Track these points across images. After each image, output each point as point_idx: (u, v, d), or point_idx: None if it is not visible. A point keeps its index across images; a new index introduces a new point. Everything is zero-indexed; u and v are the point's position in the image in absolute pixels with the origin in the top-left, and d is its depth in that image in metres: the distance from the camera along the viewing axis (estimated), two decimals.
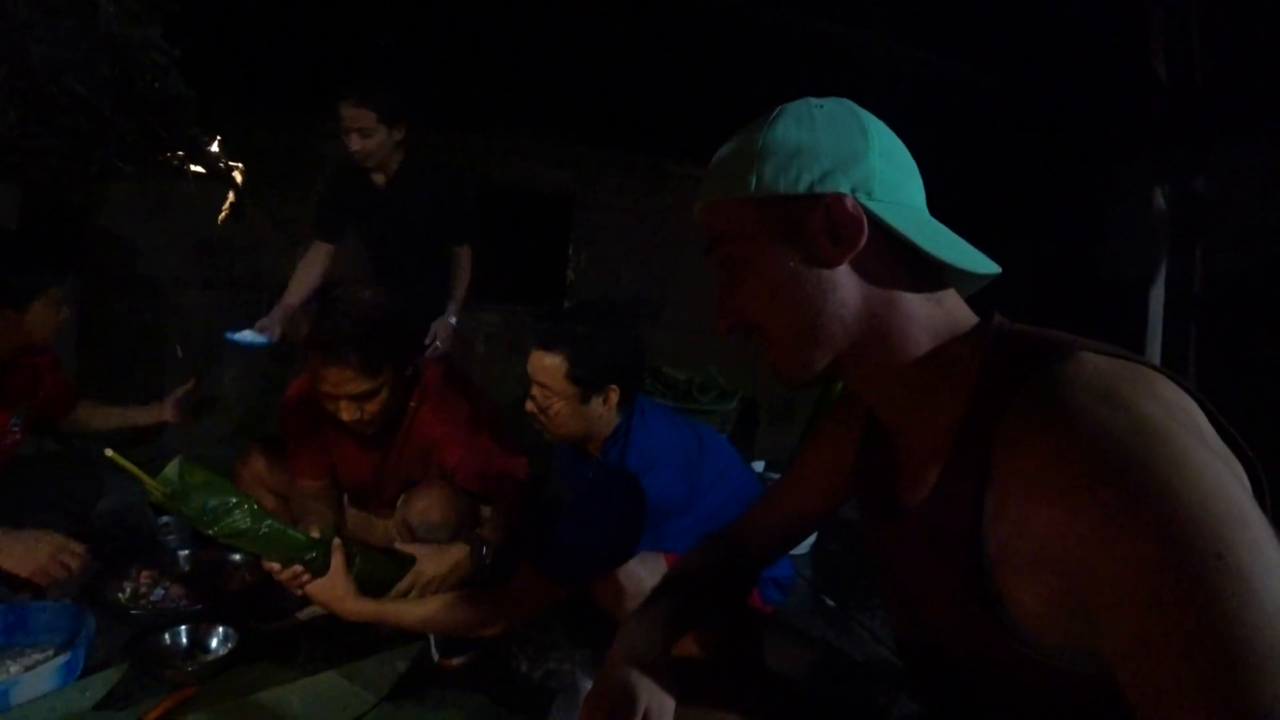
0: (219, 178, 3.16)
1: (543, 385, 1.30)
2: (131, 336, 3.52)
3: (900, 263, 0.65)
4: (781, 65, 3.51)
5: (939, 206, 0.71)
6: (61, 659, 1.32)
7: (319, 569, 1.23)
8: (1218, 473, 0.47)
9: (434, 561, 1.33)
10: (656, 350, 3.18)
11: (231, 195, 3.28)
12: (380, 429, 1.47)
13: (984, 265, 0.67)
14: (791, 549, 1.04)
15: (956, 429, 0.62)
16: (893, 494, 0.72)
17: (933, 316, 0.66)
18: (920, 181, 0.70)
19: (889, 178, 0.65)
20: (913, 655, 0.76)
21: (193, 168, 2.92)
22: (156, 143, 2.50)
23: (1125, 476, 0.47)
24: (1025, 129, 3.76)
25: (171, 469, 1.11)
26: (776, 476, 1.86)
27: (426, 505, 1.45)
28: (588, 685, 1.18)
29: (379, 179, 2.22)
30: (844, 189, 0.64)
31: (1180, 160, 3.20)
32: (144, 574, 1.68)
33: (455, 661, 1.42)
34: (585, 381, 1.29)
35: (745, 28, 3.38)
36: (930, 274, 0.67)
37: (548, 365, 1.29)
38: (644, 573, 1.29)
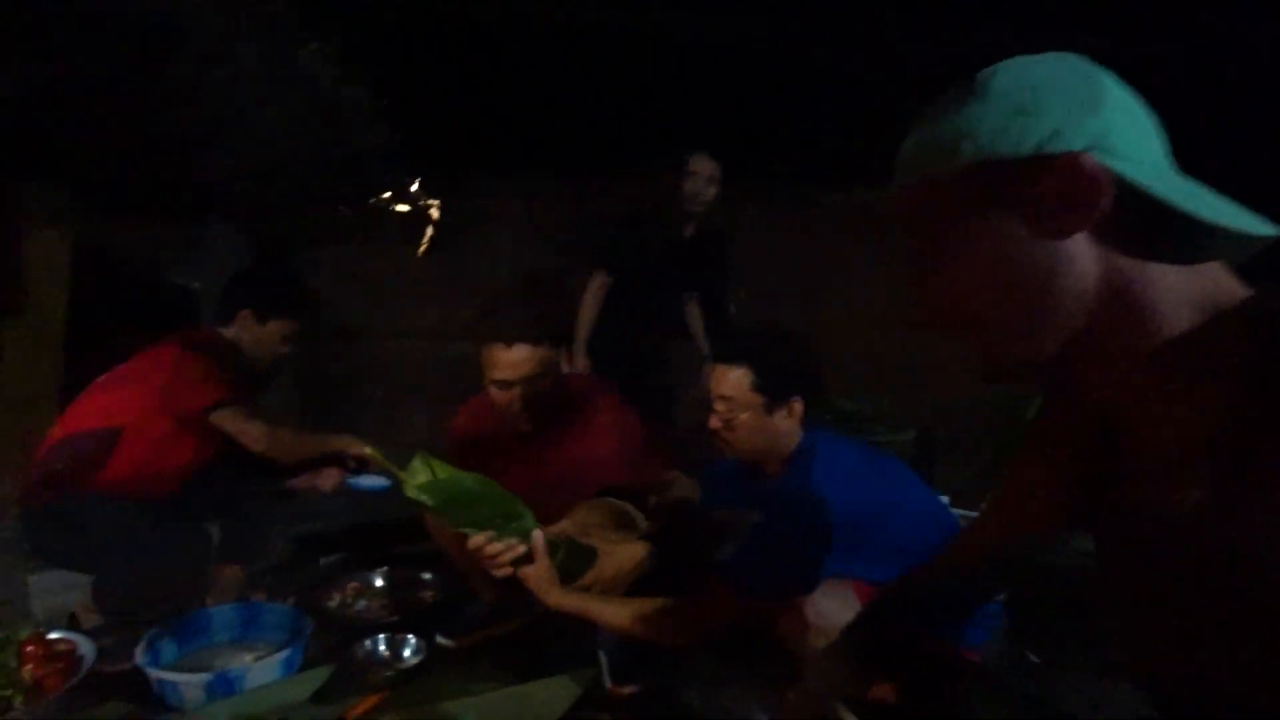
0: (414, 225, 3.56)
1: (726, 399, 1.29)
2: (330, 385, 4.01)
3: (1150, 228, 0.56)
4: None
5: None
6: (284, 654, 1.47)
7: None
8: None
9: (613, 560, 1.33)
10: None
11: (430, 230, 3.66)
12: (540, 419, 1.52)
13: (1256, 226, 0.56)
14: (1003, 586, 0.92)
15: (1229, 423, 0.53)
16: (1138, 504, 0.62)
17: (1192, 290, 0.57)
18: (1163, 139, 0.60)
19: (1128, 132, 0.57)
20: (1172, 698, 0.65)
21: (399, 208, 3.32)
22: (369, 187, 2.87)
23: None
24: None
25: (418, 463, 1.21)
26: (964, 512, 1.68)
27: (588, 516, 1.46)
28: None
29: (689, 230, 2.50)
30: (1077, 147, 0.56)
31: None
32: (351, 586, 1.86)
33: (626, 690, 1.39)
34: (770, 392, 1.27)
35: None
36: (1187, 240, 0.57)
37: (732, 379, 1.29)
38: (831, 605, 1.20)
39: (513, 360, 1.44)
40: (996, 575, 0.85)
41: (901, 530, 1.25)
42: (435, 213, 3.44)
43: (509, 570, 1.24)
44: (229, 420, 1.74)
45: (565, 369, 1.58)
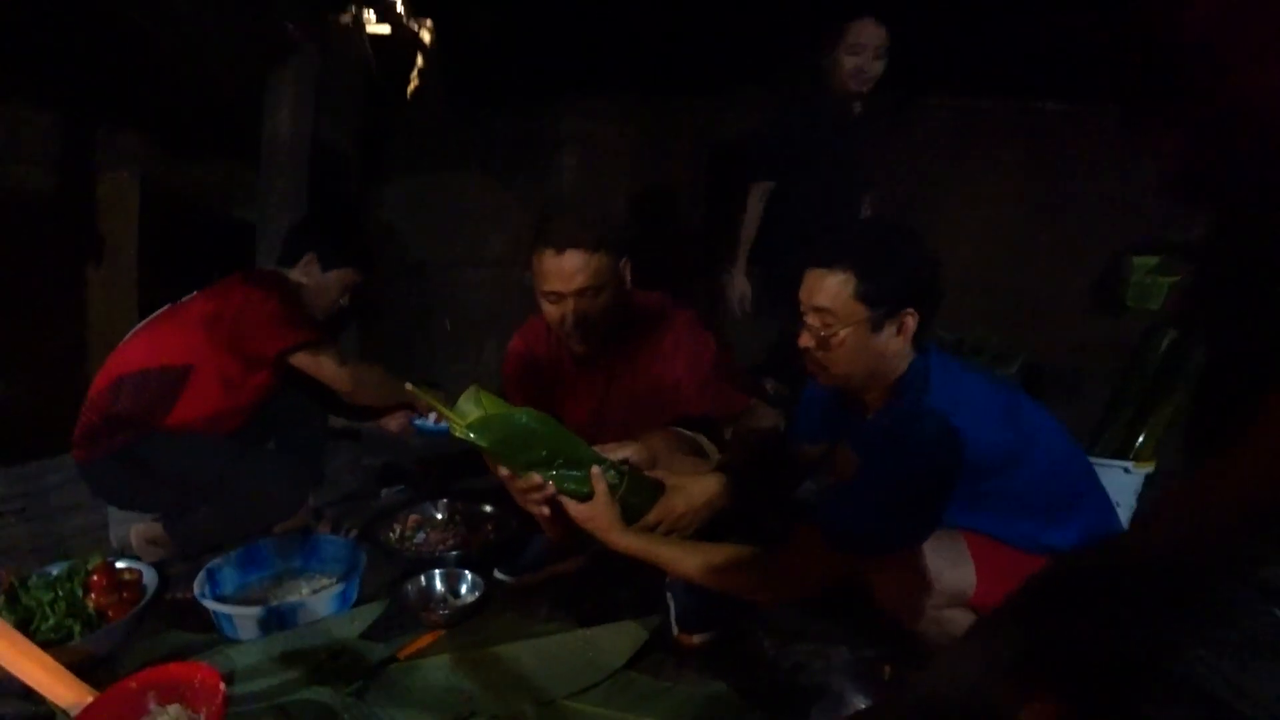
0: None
1: (823, 310, 1.04)
2: (400, 319, 3.97)
3: None
4: None
5: None
6: (339, 588, 1.42)
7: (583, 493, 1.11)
8: None
9: (684, 494, 1.15)
10: None
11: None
12: (598, 339, 1.34)
13: None
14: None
15: None
16: None
17: None
18: None
19: None
20: None
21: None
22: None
23: None
24: None
25: (467, 400, 1.07)
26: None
27: (655, 444, 1.28)
28: (856, 701, 0.95)
29: (857, 108, 2.17)
30: None
31: None
32: (411, 519, 1.79)
33: (696, 639, 1.26)
34: (877, 302, 1.02)
35: None
36: None
37: (830, 285, 1.04)
38: (941, 563, 1.00)
39: (564, 269, 1.26)
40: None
41: (1034, 477, 1.02)
42: (426, 35, 3.26)
43: (545, 510, 1.11)
44: (310, 362, 1.68)
45: (629, 283, 1.37)
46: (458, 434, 1.04)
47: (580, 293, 1.27)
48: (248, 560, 1.56)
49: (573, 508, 1.08)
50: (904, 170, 3.71)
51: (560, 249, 1.25)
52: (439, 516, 1.81)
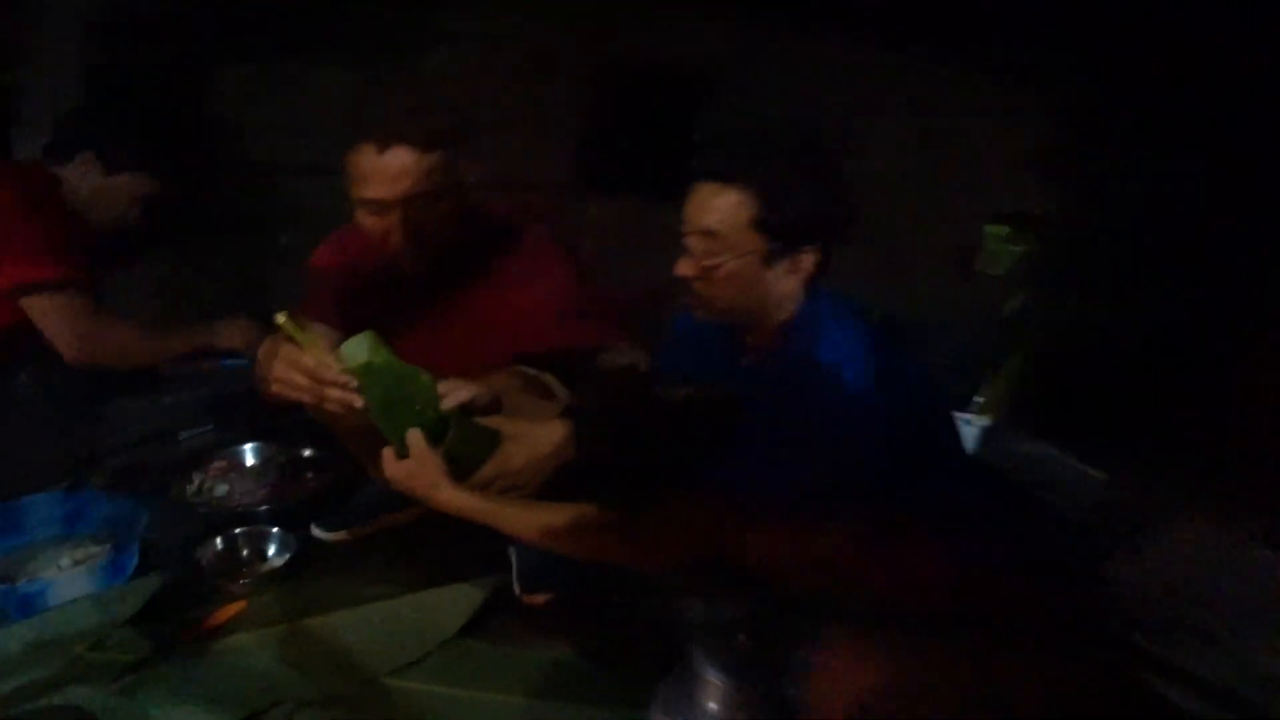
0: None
1: (711, 235, 0.90)
2: (236, 232, 3.45)
3: None
4: None
5: None
6: (108, 557, 1.18)
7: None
8: None
9: (525, 445, 1.01)
10: None
11: None
12: (429, 257, 1.15)
13: None
14: None
15: None
16: None
17: None
18: None
19: None
20: None
21: None
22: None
23: None
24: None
25: (358, 344, 0.92)
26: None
27: (496, 385, 1.12)
28: (709, 676, 0.88)
29: None
30: None
31: None
32: (215, 466, 1.54)
33: (540, 598, 1.17)
34: (778, 233, 0.90)
35: None
36: None
37: (722, 206, 0.90)
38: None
39: (388, 170, 1.04)
40: None
41: (908, 431, 0.98)
42: None
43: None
44: (41, 307, 1.33)
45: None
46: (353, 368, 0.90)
47: (409, 200, 1.06)
48: None
49: (390, 466, 0.92)
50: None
51: (383, 145, 1.03)
52: (250, 463, 1.57)
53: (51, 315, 1.34)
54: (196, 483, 1.49)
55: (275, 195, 3.52)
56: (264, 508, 1.40)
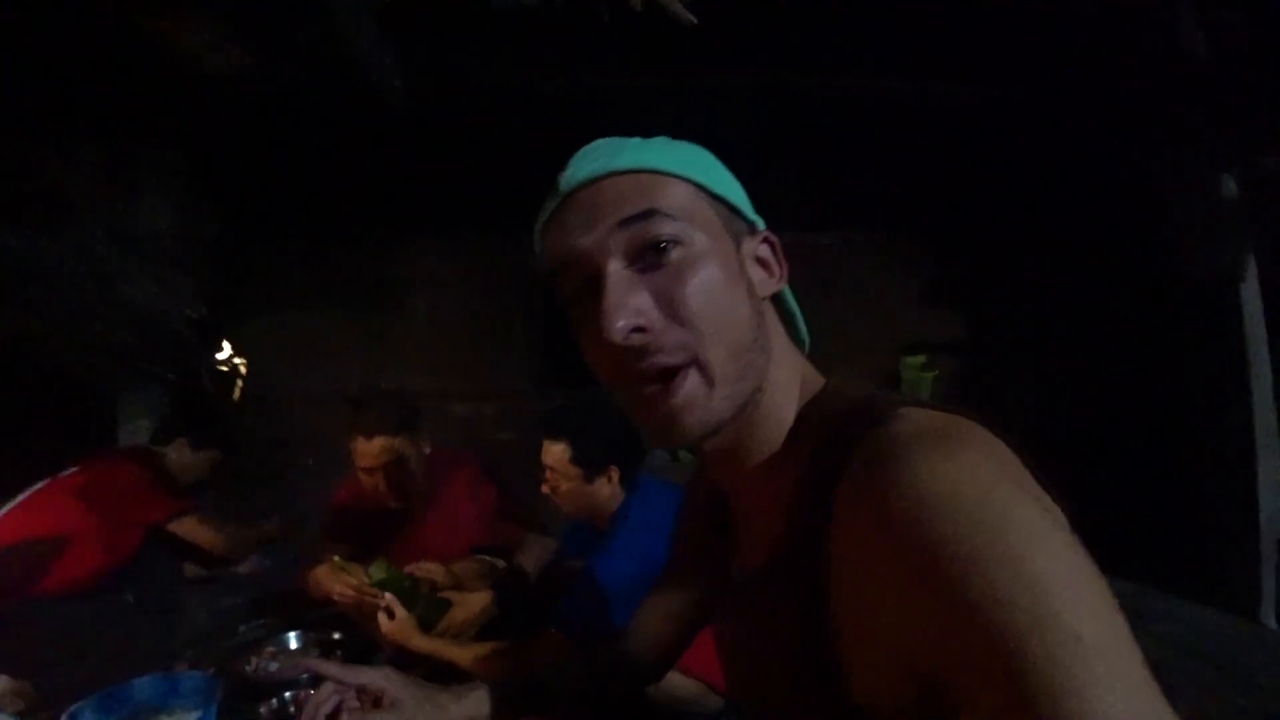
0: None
1: (552, 469, 1.54)
2: (262, 451, 4.15)
3: (779, 315, 0.65)
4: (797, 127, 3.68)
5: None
6: (195, 715, 1.66)
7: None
8: (1064, 541, 0.44)
9: (464, 607, 1.59)
10: None
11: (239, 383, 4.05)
12: (409, 501, 1.77)
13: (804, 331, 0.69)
14: (677, 657, 1.01)
15: (798, 494, 0.57)
16: (729, 565, 0.69)
17: (805, 377, 0.64)
18: None
19: None
20: None
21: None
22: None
23: (961, 542, 0.42)
24: (1053, 139, 3.64)
25: (378, 568, 1.65)
26: None
27: (462, 569, 1.71)
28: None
29: None
30: (761, 227, 0.63)
31: (1241, 137, 2.91)
32: (267, 650, 2.02)
33: None
34: (587, 464, 1.52)
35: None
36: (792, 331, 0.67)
37: (554, 451, 1.54)
38: None
39: (372, 450, 1.70)
40: (671, 648, 1.01)
41: None
42: (243, 369, 3.83)
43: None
44: (190, 529, 1.98)
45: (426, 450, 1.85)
46: (372, 585, 1.61)
47: (386, 466, 1.71)
48: (108, 702, 1.74)
49: (384, 624, 1.47)
50: None
51: (369, 435, 1.71)
52: (293, 646, 2.06)
53: (197, 529, 1.96)
54: (254, 663, 1.98)
55: (290, 420, 4.26)
56: (305, 676, 1.88)
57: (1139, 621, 2.86)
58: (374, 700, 0.92)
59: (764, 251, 0.63)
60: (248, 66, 2.55)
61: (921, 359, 4.71)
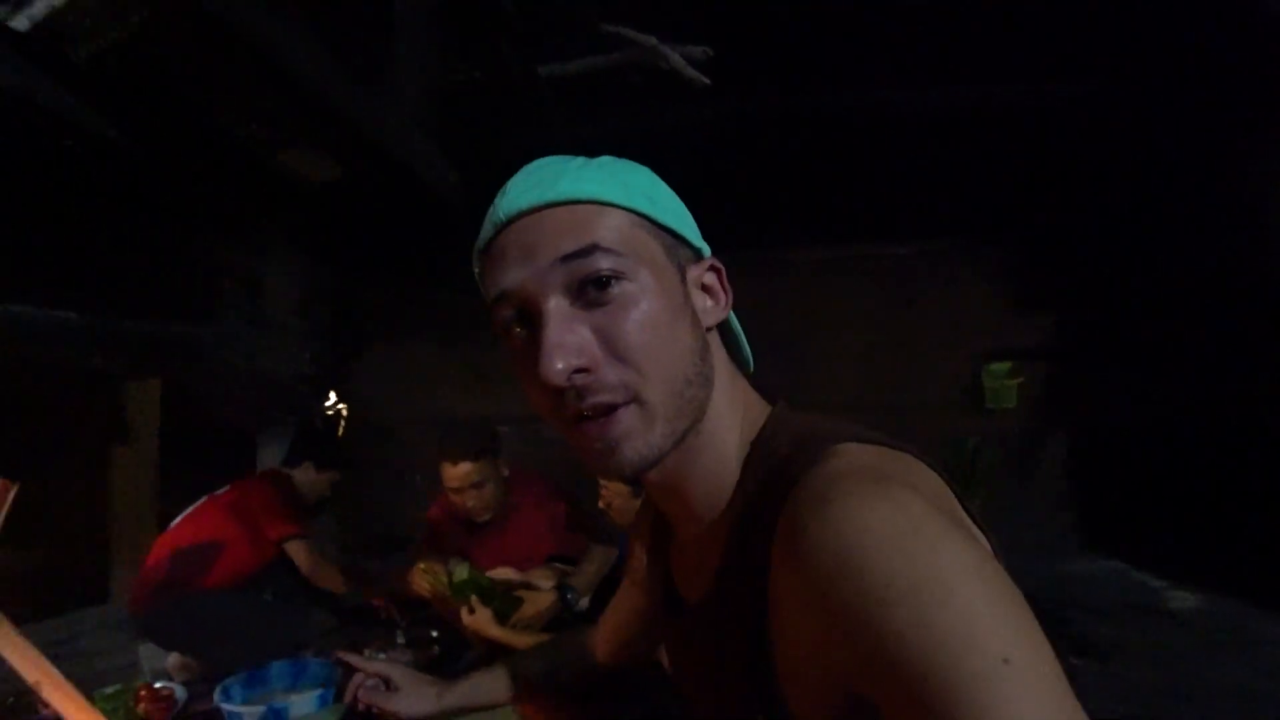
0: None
1: (605, 486, 1.75)
2: (374, 471, 4.62)
3: (723, 345, 0.64)
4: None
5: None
6: (319, 692, 1.96)
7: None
8: (992, 570, 0.45)
9: (532, 604, 1.82)
10: None
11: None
12: (491, 515, 2.02)
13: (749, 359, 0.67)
14: (632, 657, 1.06)
15: (739, 531, 0.58)
16: (676, 591, 0.69)
17: (748, 405, 0.63)
18: None
19: None
20: None
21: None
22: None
23: (894, 575, 0.43)
24: (1144, 139, 3.47)
25: (460, 568, 1.87)
26: None
27: (537, 574, 1.94)
28: None
29: None
30: (706, 254, 0.61)
31: None
32: (377, 643, 2.33)
33: None
34: (634, 482, 1.72)
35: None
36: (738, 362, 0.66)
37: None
38: None
39: (458, 474, 1.97)
40: (624, 649, 1.07)
41: None
42: (345, 411, 4.19)
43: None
44: (294, 550, 2.35)
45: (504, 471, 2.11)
46: (455, 584, 1.82)
47: (472, 487, 1.97)
48: (253, 679, 2.08)
49: (466, 618, 1.72)
50: (781, 310, 4.49)
51: (455, 461, 1.97)
52: (399, 640, 2.36)
53: (300, 552, 2.32)
54: (366, 654, 2.28)
55: (399, 444, 4.69)
56: (408, 663, 2.16)
57: (1235, 649, 2.64)
58: (386, 684, 1.18)
59: (709, 279, 0.61)
60: (342, 175, 3.33)
61: (1006, 367, 4.55)
